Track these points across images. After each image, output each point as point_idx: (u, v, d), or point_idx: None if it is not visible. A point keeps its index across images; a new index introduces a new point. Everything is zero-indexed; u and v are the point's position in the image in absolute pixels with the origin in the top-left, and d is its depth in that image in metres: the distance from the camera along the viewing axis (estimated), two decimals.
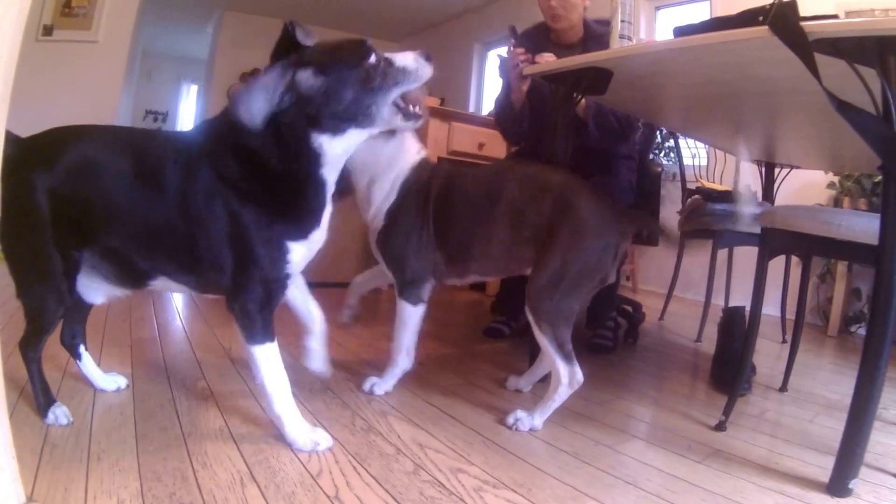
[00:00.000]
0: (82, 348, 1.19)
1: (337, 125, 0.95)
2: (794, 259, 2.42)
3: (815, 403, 1.57)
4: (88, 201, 0.95)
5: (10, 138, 0.96)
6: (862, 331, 2.76)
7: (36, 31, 3.31)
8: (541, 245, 1.22)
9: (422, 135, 2.93)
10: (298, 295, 1.20)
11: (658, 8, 4.01)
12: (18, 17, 0.61)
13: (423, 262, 1.32)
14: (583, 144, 1.75)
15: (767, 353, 2.16)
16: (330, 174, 1.01)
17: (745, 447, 1.20)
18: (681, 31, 1.22)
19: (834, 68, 0.92)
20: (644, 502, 0.93)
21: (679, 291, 2.94)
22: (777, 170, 2.57)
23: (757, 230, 1.43)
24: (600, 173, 1.90)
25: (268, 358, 1.01)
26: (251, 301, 0.98)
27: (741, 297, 1.94)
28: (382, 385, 1.35)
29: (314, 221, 1.02)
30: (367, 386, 1.35)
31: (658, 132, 2.71)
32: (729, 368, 1.61)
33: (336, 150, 0.98)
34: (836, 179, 2.87)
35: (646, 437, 1.25)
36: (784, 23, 0.94)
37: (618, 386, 1.62)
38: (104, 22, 3.48)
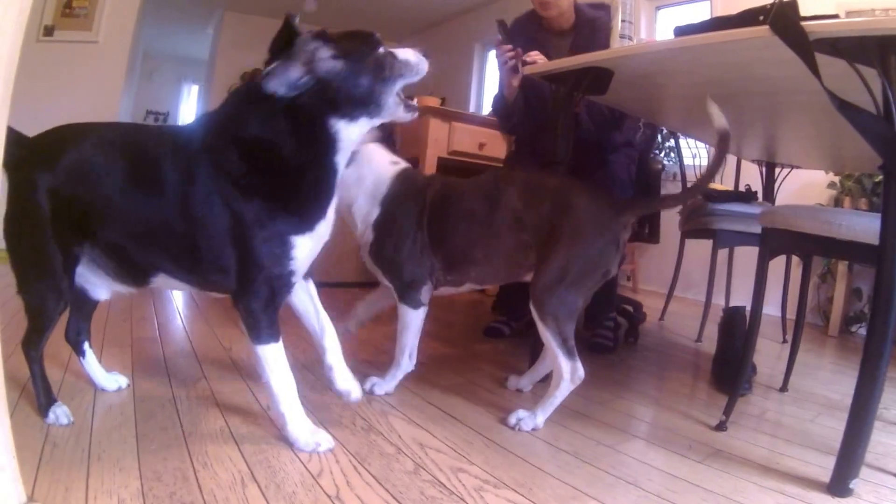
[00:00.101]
0: (86, 345, 1.20)
1: (352, 111, 0.96)
2: (795, 259, 2.42)
3: (815, 403, 1.57)
4: (87, 200, 0.96)
5: (16, 139, 0.97)
6: (862, 331, 2.76)
7: (37, 32, 3.30)
8: (542, 247, 1.23)
9: (422, 135, 2.94)
10: (309, 307, 1.16)
11: (658, 8, 4.01)
12: (19, 17, 0.61)
13: (419, 265, 1.32)
14: (578, 137, 1.75)
15: (768, 353, 2.16)
16: (342, 162, 1.02)
17: (746, 447, 1.20)
18: (681, 31, 1.22)
19: (834, 68, 0.92)
20: (645, 502, 0.93)
21: (679, 291, 2.94)
22: (778, 170, 2.57)
23: (757, 230, 1.43)
24: (599, 165, 1.89)
25: (273, 357, 1.00)
26: (256, 301, 0.98)
27: (742, 297, 1.94)
28: (384, 385, 1.35)
29: (321, 212, 1.01)
30: (367, 386, 1.35)
31: (659, 132, 2.71)
32: (729, 368, 1.61)
33: (351, 135, 0.99)
34: (836, 179, 2.87)
35: (646, 436, 1.25)
36: (785, 22, 0.95)
37: (618, 386, 1.62)
38: (105, 22, 3.48)
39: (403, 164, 1.40)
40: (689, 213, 2.39)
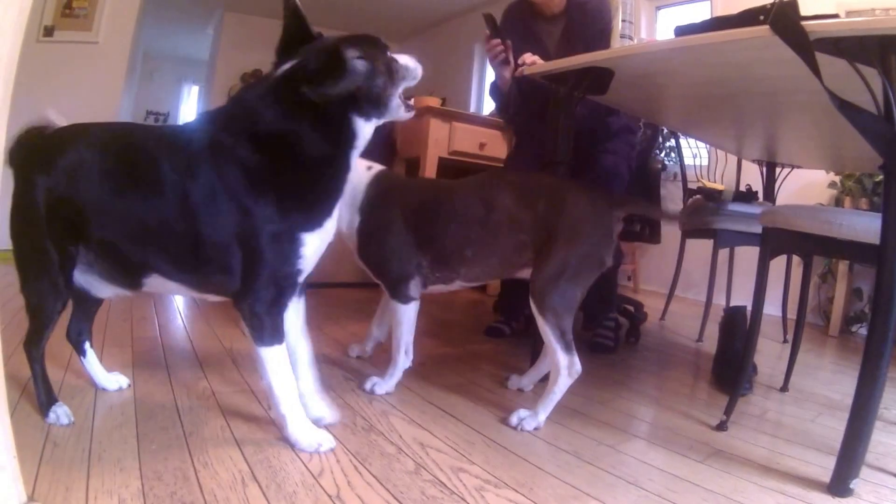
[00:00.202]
0: (87, 345, 1.20)
1: (370, 110, 0.99)
2: (796, 259, 2.42)
3: (816, 403, 1.57)
4: (80, 200, 0.96)
5: (25, 137, 0.99)
6: (863, 331, 2.76)
7: (37, 32, 3.30)
8: (539, 245, 1.25)
9: (423, 135, 2.94)
10: (292, 325, 1.10)
11: (659, 8, 4.01)
12: (19, 17, 0.61)
13: (404, 261, 1.34)
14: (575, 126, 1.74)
15: (769, 353, 2.16)
16: (354, 159, 1.04)
17: (747, 447, 1.20)
18: (682, 31, 1.22)
19: (834, 68, 0.92)
20: (645, 502, 0.93)
21: (680, 291, 2.94)
22: (778, 169, 2.57)
23: (758, 230, 1.43)
24: (595, 156, 1.89)
25: (276, 360, 1.00)
26: (260, 302, 0.97)
27: (742, 297, 1.94)
28: (384, 385, 1.36)
29: (331, 210, 1.02)
30: (368, 386, 1.36)
31: (660, 132, 2.71)
32: (730, 368, 1.61)
33: (366, 133, 1.02)
34: (837, 179, 2.87)
35: (647, 436, 1.25)
36: (785, 22, 0.94)
37: (619, 385, 1.62)
38: (105, 23, 3.48)
39: (377, 168, 1.43)
40: (690, 213, 2.39)
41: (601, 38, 1.75)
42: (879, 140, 0.93)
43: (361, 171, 1.39)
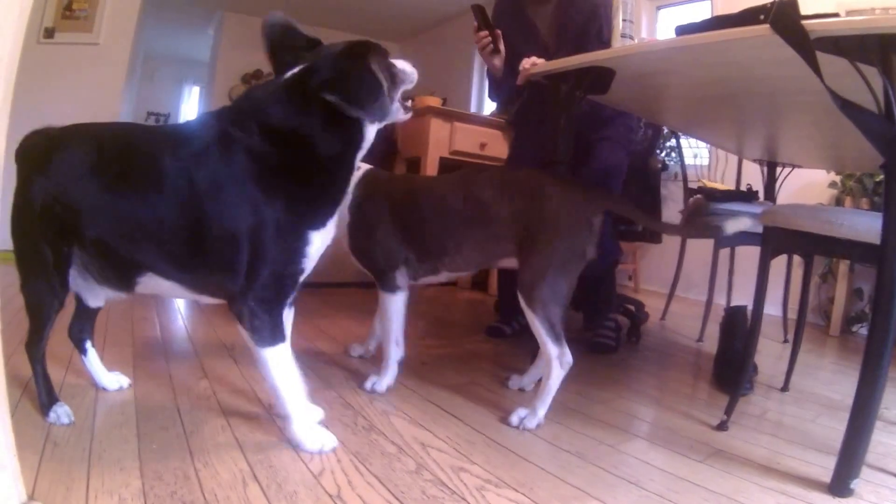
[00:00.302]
0: (88, 344, 1.20)
1: (377, 113, 1.01)
2: (796, 259, 2.42)
3: (816, 403, 1.57)
4: (74, 200, 0.95)
5: (25, 138, 1.00)
6: (863, 330, 2.76)
7: (37, 34, 3.30)
8: (521, 239, 1.29)
9: (424, 135, 2.94)
10: None
11: (659, 7, 4.01)
12: (19, 19, 0.61)
13: (389, 252, 1.40)
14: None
15: (769, 353, 2.16)
16: (359, 160, 1.07)
17: (747, 447, 1.20)
18: (683, 30, 1.22)
19: (835, 67, 0.92)
20: (646, 502, 0.93)
21: (681, 291, 2.94)
22: (779, 169, 2.56)
23: (758, 229, 1.43)
24: (596, 138, 1.88)
25: (279, 359, 0.99)
26: (261, 300, 0.95)
27: (743, 297, 1.94)
28: (382, 381, 1.37)
29: (334, 210, 1.03)
30: (368, 385, 1.36)
31: (661, 132, 2.70)
32: (731, 368, 1.60)
33: (371, 135, 1.04)
34: (837, 179, 2.87)
35: (648, 436, 1.25)
36: (785, 21, 0.94)
37: (620, 385, 1.62)
38: (105, 24, 3.48)
39: (364, 167, 1.46)
40: (691, 213, 2.39)
41: (593, 18, 1.76)
42: (880, 139, 0.93)
43: None
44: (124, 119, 3.81)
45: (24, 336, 1.02)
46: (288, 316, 1.08)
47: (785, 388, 1.65)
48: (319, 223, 1.00)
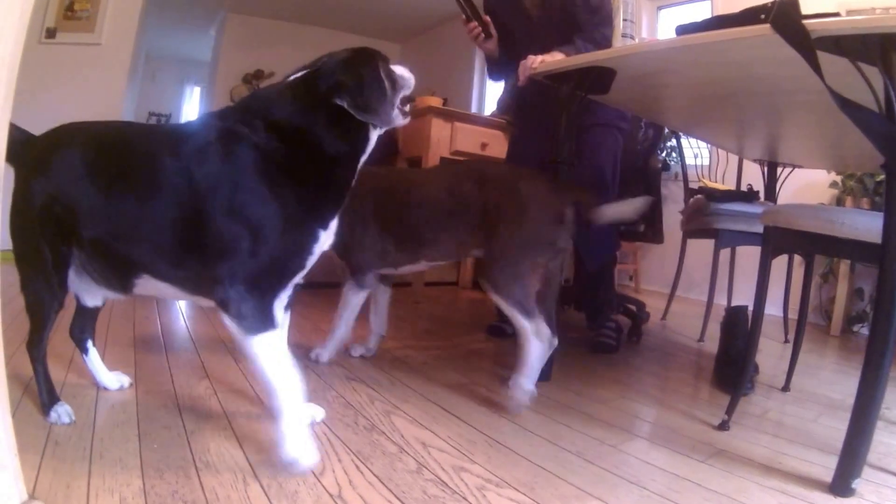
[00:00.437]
0: (90, 343, 1.20)
1: (381, 119, 1.03)
2: (797, 259, 2.42)
3: (817, 403, 1.57)
4: (74, 199, 0.96)
5: (25, 138, 1.00)
6: (865, 330, 2.76)
7: (39, 34, 3.31)
8: (489, 228, 1.34)
9: (425, 135, 2.94)
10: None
11: (660, 7, 4.01)
12: (21, 19, 0.61)
13: (366, 253, 1.50)
14: (550, 95, 1.73)
15: (770, 353, 2.16)
16: (361, 164, 1.08)
17: (748, 447, 1.20)
18: (683, 30, 1.22)
19: (835, 66, 0.92)
20: (647, 502, 0.93)
21: (681, 291, 2.94)
22: (779, 169, 2.56)
23: (759, 229, 1.43)
24: (589, 123, 1.87)
25: (268, 347, 0.92)
26: (254, 285, 0.91)
27: (744, 297, 1.94)
28: (325, 353, 1.54)
29: (336, 210, 1.03)
30: (312, 355, 1.53)
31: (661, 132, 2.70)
32: (732, 368, 1.60)
33: (374, 140, 1.06)
34: (838, 179, 2.87)
35: (649, 436, 1.25)
36: (786, 21, 0.94)
37: (621, 385, 1.62)
38: (107, 24, 3.48)
39: None
40: (692, 213, 2.39)
41: None
42: (881, 139, 0.93)
43: None
44: (126, 119, 3.81)
45: (25, 336, 1.03)
46: (284, 320, 1.05)
47: (786, 388, 1.65)
48: (325, 221, 1.00)
